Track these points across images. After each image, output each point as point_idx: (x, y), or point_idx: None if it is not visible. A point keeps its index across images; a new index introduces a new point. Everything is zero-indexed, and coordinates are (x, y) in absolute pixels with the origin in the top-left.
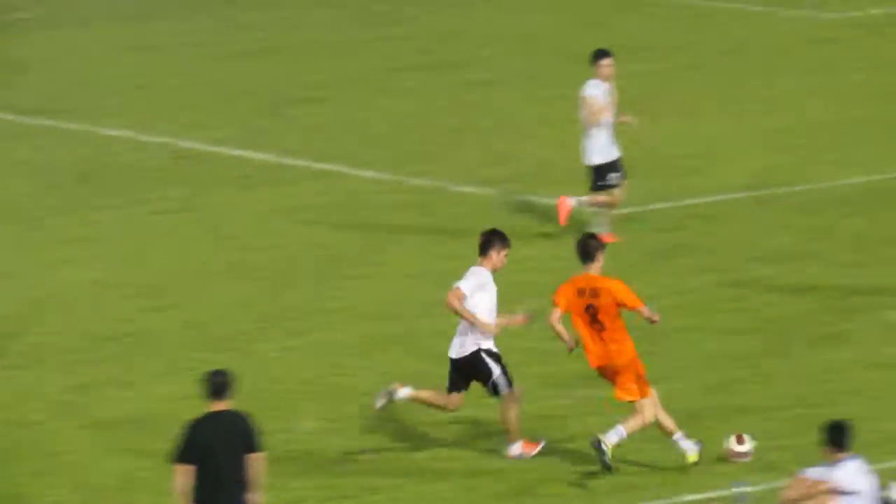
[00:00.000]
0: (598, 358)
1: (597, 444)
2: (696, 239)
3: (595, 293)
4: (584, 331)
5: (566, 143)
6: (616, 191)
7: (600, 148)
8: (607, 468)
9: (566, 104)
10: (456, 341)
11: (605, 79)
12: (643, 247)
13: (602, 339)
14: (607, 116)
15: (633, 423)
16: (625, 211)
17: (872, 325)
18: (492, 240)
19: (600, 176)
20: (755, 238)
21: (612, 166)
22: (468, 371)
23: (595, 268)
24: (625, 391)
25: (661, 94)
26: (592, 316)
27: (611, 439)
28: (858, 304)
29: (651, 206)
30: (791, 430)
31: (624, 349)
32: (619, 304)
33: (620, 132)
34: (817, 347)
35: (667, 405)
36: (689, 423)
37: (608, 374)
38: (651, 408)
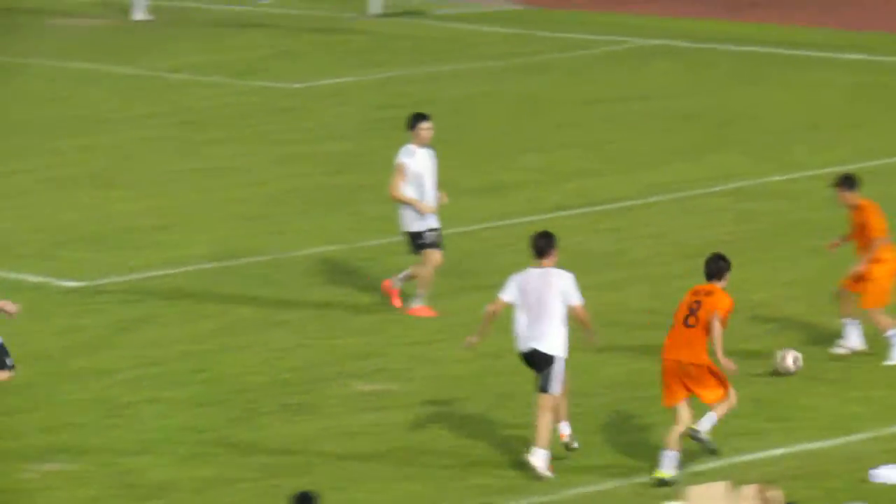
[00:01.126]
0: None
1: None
2: (160, 311)
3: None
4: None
5: (26, 215)
6: (433, 256)
7: (414, 214)
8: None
9: (23, 178)
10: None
11: (423, 143)
12: (107, 320)
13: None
14: (428, 181)
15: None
16: (86, 283)
17: (340, 395)
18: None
19: (417, 238)
20: (223, 309)
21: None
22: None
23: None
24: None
25: (122, 166)
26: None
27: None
28: (327, 373)
29: (113, 279)
30: (264, 500)
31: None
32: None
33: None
34: (286, 418)
35: (134, 479)
36: (158, 496)
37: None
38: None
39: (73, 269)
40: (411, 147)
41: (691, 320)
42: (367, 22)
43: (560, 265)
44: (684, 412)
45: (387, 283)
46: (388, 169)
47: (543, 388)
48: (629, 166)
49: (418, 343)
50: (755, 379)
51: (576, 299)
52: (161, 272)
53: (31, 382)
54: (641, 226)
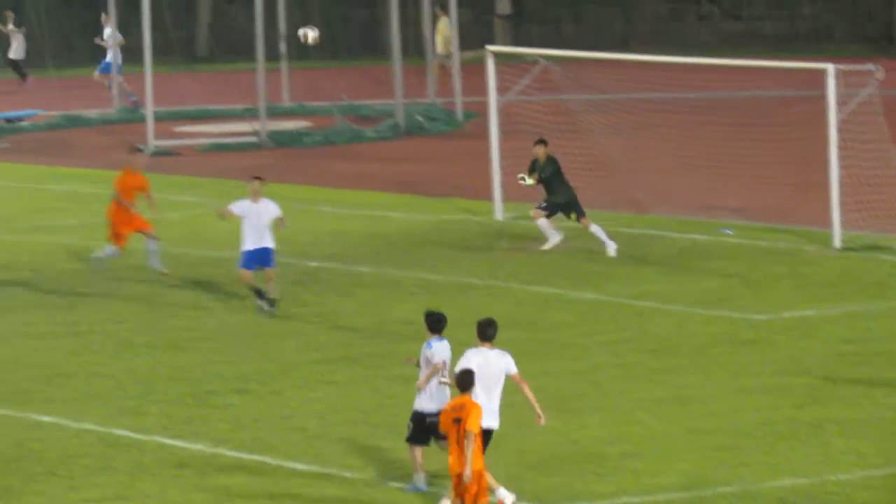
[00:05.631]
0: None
1: None
2: None
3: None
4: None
5: None
6: None
7: None
8: None
9: None
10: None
11: None
12: None
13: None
14: None
15: None
16: None
17: None
18: None
19: None
20: None
21: None
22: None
23: None
24: None
25: (589, 391)
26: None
27: None
28: None
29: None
30: None
31: None
32: None
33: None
34: None
35: None
36: None
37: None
38: None
39: (542, 492)
40: None
41: None
42: (831, 255)
43: None
44: None
45: None
46: (855, 404)
47: None
48: None
49: None
50: None
51: None
52: (632, 499)
53: None
54: None
